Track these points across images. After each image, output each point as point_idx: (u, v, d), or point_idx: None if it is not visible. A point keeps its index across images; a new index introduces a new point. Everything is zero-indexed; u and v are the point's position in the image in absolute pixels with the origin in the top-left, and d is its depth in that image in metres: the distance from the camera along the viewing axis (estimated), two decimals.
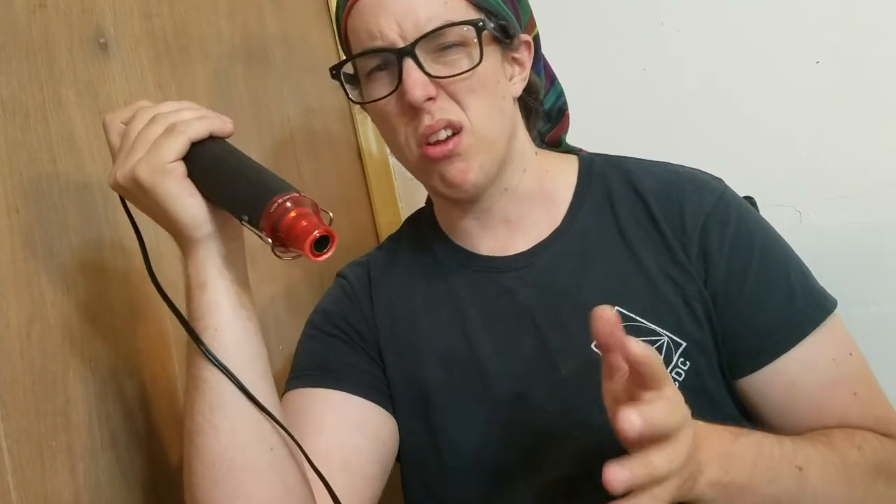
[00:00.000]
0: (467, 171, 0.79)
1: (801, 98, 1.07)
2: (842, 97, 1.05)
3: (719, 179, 0.87)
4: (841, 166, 1.06)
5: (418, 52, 0.76)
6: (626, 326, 0.79)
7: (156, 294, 0.69)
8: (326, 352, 0.88)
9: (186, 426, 0.69)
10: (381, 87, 0.80)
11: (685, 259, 0.81)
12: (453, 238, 0.91)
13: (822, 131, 1.06)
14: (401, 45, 0.77)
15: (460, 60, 0.78)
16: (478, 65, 0.77)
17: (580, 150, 0.96)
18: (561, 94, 0.96)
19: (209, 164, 0.65)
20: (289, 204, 0.61)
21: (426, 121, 0.78)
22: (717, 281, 0.80)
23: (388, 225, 1.31)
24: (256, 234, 0.62)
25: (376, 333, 0.89)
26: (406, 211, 1.33)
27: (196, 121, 0.65)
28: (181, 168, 0.65)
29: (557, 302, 0.84)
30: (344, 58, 0.84)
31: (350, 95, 0.84)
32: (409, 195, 1.34)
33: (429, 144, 0.79)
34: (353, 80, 0.85)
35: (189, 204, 0.65)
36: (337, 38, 0.88)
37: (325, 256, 0.60)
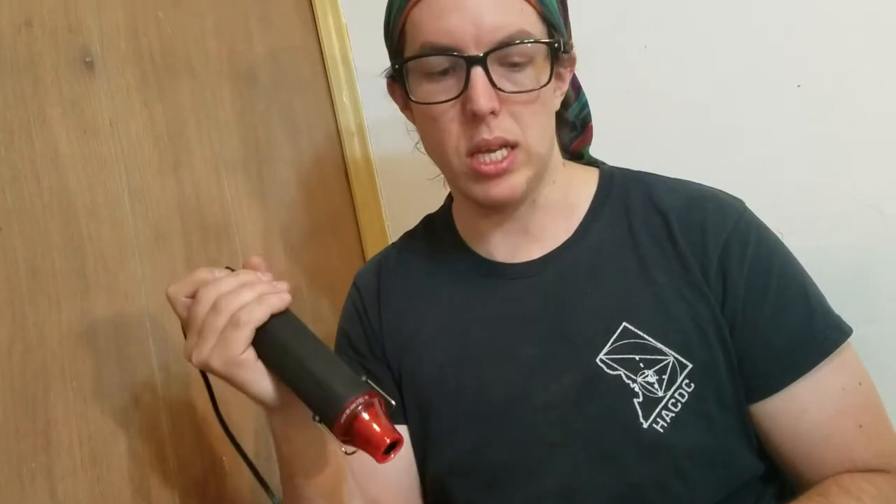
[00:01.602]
0: (515, 187, 0.80)
1: (782, 121, 1.08)
2: (822, 120, 1.06)
3: (739, 200, 0.86)
4: (822, 188, 1.07)
5: (489, 61, 0.75)
6: (630, 343, 0.79)
7: (137, 314, 0.69)
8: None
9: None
10: (442, 88, 0.78)
11: (702, 279, 0.80)
12: (469, 242, 0.91)
13: (802, 153, 1.07)
14: (473, 50, 0.75)
15: (527, 78, 0.77)
16: (544, 86, 0.77)
17: (602, 162, 0.95)
18: (585, 105, 0.96)
19: (275, 351, 0.68)
20: (359, 409, 0.64)
21: (483, 133, 0.77)
22: (736, 301, 0.79)
23: (375, 244, 1.31)
24: (328, 432, 0.66)
25: (383, 344, 0.91)
26: (392, 231, 1.33)
27: (256, 305, 0.67)
28: (252, 355, 0.67)
29: (563, 312, 0.83)
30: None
31: (411, 95, 0.80)
32: (396, 215, 1.34)
33: (480, 155, 0.78)
34: (399, 74, 0.81)
35: (263, 387, 0.68)
36: (385, 29, 0.84)
37: (392, 457, 0.64)
